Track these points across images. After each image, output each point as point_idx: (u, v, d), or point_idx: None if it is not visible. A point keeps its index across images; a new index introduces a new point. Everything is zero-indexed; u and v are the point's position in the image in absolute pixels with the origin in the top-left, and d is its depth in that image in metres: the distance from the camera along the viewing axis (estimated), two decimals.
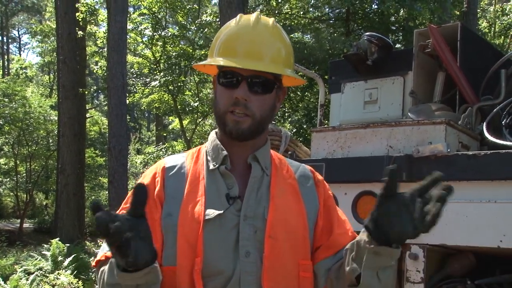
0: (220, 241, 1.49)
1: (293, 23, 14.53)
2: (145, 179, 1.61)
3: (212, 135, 1.65)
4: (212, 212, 1.50)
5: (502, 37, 18.51)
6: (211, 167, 1.58)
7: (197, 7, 19.05)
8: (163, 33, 16.28)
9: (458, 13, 14.54)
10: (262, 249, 1.50)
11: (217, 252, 1.48)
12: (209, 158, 1.60)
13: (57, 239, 11.87)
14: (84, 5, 15.72)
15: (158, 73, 16.21)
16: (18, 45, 46.52)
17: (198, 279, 1.46)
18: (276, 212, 1.53)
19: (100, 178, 23.38)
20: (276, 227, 1.52)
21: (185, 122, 18.50)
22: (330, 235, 1.62)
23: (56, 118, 18.00)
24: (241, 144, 1.58)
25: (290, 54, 1.62)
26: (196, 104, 16.61)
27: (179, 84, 16.62)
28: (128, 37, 14.62)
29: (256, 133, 1.56)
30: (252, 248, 1.50)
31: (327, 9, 15.52)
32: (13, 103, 17.97)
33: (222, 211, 1.50)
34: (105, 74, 16.33)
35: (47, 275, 10.16)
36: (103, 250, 1.54)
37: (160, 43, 16.57)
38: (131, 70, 17.37)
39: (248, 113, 1.51)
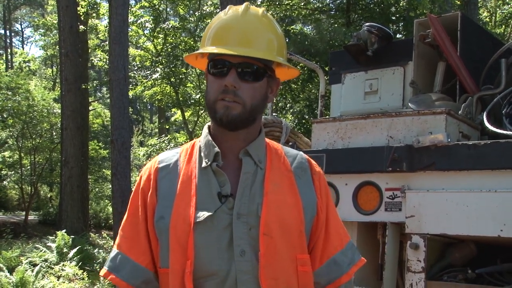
0: (212, 242, 1.48)
1: (293, 14, 14.47)
2: (140, 181, 1.62)
3: (205, 130, 1.62)
4: (202, 214, 1.48)
5: (503, 26, 18.42)
6: (204, 164, 1.56)
7: None
8: (164, 26, 16.22)
9: (458, 2, 14.47)
10: (257, 247, 1.48)
11: (209, 253, 1.47)
12: (202, 154, 1.58)
13: (63, 231, 11.95)
14: None
15: (159, 65, 16.18)
16: (21, 39, 46.60)
17: (189, 282, 1.46)
18: (270, 209, 1.51)
19: (103, 170, 23.42)
20: (271, 224, 1.50)
21: (187, 114, 18.49)
22: (324, 233, 1.63)
23: (59, 111, 18.01)
24: (233, 136, 1.56)
25: (282, 44, 1.60)
26: (198, 96, 16.59)
27: (180, 76, 16.60)
28: (129, 29, 14.58)
29: (247, 122, 1.53)
30: (247, 246, 1.48)
31: (327, 0, 15.46)
32: (17, 96, 17.97)
33: (212, 213, 1.48)
34: (106, 66, 16.34)
35: (52, 266, 10.25)
36: (115, 264, 1.60)
37: (161, 36, 16.54)
38: (133, 63, 17.34)
39: (238, 101, 1.49)
